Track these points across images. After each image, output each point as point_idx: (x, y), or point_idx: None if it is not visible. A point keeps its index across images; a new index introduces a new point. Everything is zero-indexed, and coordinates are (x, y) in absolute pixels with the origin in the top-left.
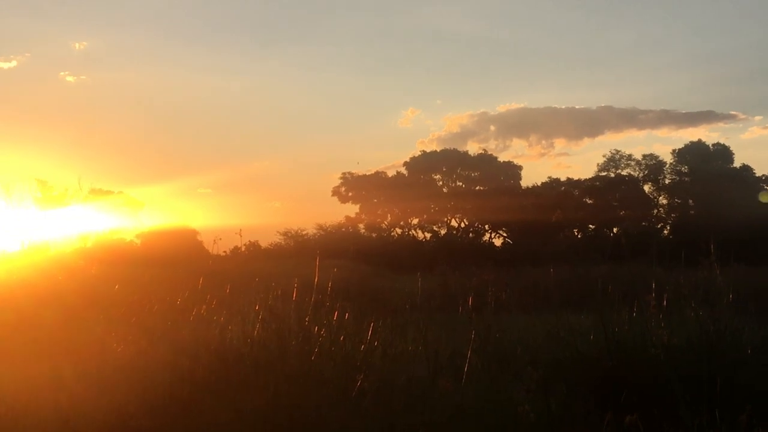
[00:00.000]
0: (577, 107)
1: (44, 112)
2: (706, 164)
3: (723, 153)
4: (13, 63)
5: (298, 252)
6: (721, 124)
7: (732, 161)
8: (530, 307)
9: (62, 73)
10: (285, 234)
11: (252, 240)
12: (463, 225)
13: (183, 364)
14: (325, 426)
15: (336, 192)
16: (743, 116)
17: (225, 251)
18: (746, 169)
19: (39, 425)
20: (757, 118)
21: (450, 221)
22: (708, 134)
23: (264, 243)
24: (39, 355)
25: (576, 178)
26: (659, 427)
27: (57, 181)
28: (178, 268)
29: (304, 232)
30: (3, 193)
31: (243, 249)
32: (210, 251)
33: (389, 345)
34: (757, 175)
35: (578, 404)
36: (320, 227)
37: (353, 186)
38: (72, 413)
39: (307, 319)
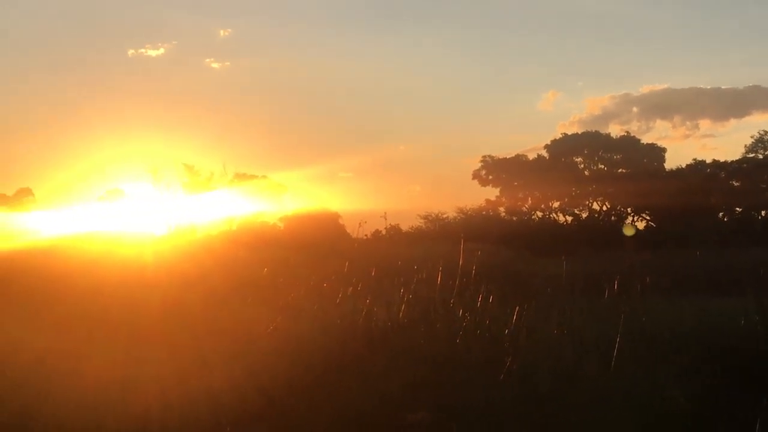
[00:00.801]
0: (723, 87)
1: (190, 98)
2: None
3: None
4: (161, 51)
5: (438, 235)
6: None
7: None
8: (676, 291)
9: (207, 60)
10: (425, 217)
11: (392, 223)
12: (605, 208)
13: (331, 348)
14: (472, 407)
15: (476, 175)
16: None
17: (366, 234)
18: None
19: (189, 405)
20: None
21: (591, 204)
22: None
23: (404, 226)
24: (186, 337)
25: (722, 160)
26: None
27: (203, 166)
28: (321, 252)
29: (444, 216)
30: (151, 178)
31: (384, 232)
32: (352, 235)
33: (534, 328)
34: None
35: (729, 388)
36: (460, 211)
37: (494, 169)
38: (221, 394)
39: (452, 302)
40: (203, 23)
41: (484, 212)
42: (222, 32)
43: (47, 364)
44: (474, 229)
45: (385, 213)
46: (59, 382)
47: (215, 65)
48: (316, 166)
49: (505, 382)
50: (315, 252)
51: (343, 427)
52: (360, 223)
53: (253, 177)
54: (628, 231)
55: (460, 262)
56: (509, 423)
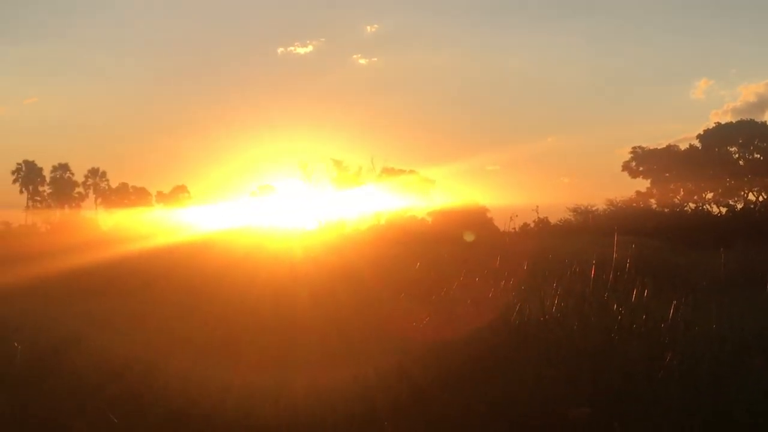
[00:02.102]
0: None
1: (338, 94)
2: None
3: None
4: (309, 48)
5: (588, 228)
6: None
7: None
8: None
9: (355, 56)
10: (574, 210)
11: (541, 216)
12: (761, 199)
13: (482, 341)
14: (628, 402)
15: (626, 167)
16: None
17: (514, 228)
18: None
19: (341, 398)
20: None
21: (747, 195)
22: None
23: (553, 219)
24: (336, 331)
25: None
26: None
27: (351, 161)
28: (470, 246)
29: (594, 208)
30: (301, 174)
31: (533, 226)
32: (501, 229)
33: (692, 322)
34: None
35: None
36: (610, 203)
37: (644, 160)
38: (372, 387)
39: (605, 295)
40: (350, 19)
41: (634, 204)
42: (369, 28)
43: (206, 356)
44: (625, 221)
45: (537, 206)
46: (218, 374)
47: (362, 61)
48: (464, 160)
49: (665, 378)
50: (464, 246)
51: (497, 421)
52: (511, 217)
53: (400, 172)
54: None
55: (614, 255)
56: (671, 419)
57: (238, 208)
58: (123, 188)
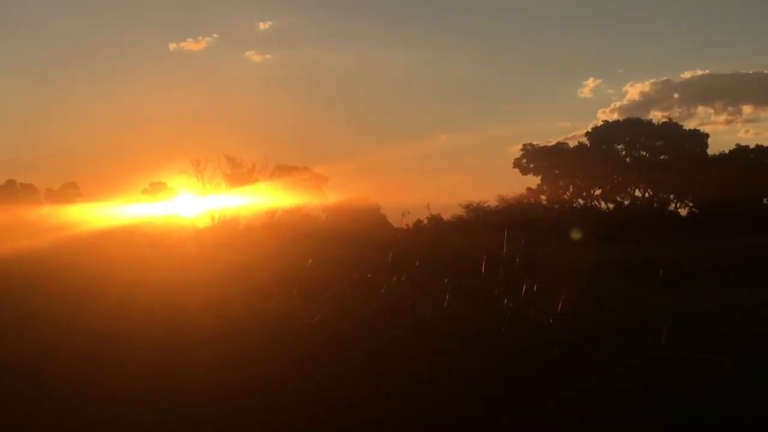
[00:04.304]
0: (765, 71)
1: (232, 90)
2: None
3: None
4: (202, 44)
5: (480, 224)
6: None
7: None
8: (724, 276)
9: (248, 53)
10: (467, 207)
11: (434, 213)
12: (647, 195)
13: (377, 338)
14: (525, 393)
15: (517, 164)
16: None
17: (407, 224)
18: None
19: (237, 398)
20: None
21: (634, 192)
22: None
23: (446, 216)
24: (228, 332)
25: (766, 145)
26: None
27: (245, 158)
28: (364, 243)
29: (485, 205)
30: (195, 170)
31: (426, 222)
32: (394, 225)
33: (579, 317)
34: None
35: None
36: (502, 199)
37: (534, 157)
38: (269, 387)
39: (496, 291)
40: (243, 16)
41: (525, 200)
42: (262, 25)
43: (93, 355)
44: (516, 217)
45: (428, 203)
46: (108, 373)
47: (256, 58)
48: (358, 157)
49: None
50: (357, 243)
51: (386, 411)
52: (403, 214)
53: (294, 169)
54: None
55: (504, 251)
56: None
57: (130, 206)
58: (10, 185)
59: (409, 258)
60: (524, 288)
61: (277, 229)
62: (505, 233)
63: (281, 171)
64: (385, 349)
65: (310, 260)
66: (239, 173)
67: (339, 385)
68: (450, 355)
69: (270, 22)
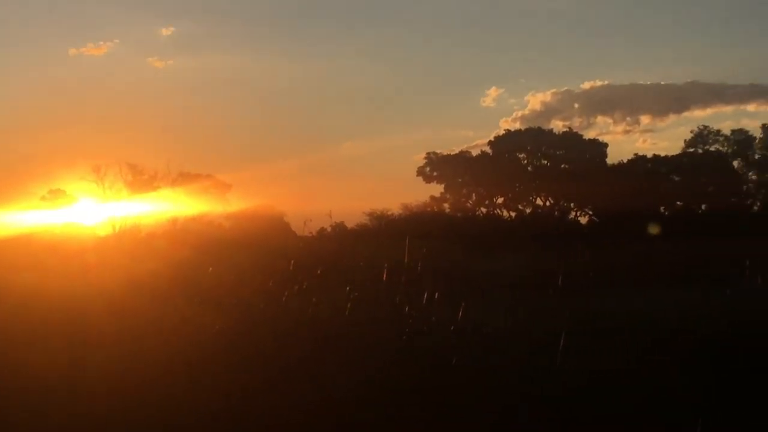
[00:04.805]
0: (662, 83)
1: (133, 96)
2: None
3: None
4: (103, 49)
5: (384, 233)
6: None
7: None
8: (622, 284)
9: (150, 59)
10: (370, 215)
11: (338, 221)
12: (548, 204)
13: (276, 346)
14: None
15: (421, 172)
16: None
17: (311, 232)
18: None
19: (134, 407)
20: None
21: (535, 200)
22: None
23: (350, 224)
24: (129, 339)
25: (663, 154)
26: None
27: (147, 164)
28: (267, 250)
29: (389, 213)
30: (95, 177)
31: (330, 230)
32: (297, 233)
33: (480, 326)
34: None
35: (686, 375)
36: (405, 207)
37: (438, 166)
38: (164, 395)
39: (397, 299)
40: (145, 21)
41: (428, 209)
42: (164, 30)
43: None
44: (419, 225)
45: (331, 211)
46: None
47: (158, 64)
48: (261, 165)
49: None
50: (260, 251)
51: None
52: (305, 222)
53: (197, 176)
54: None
55: (406, 259)
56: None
57: (28, 213)
58: None
59: (311, 266)
60: (425, 296)
61: (179, 236)
62: (407, 241)
63: (184, 178)
64: (284, 356)
65: (211, 268)
66: (141, 180)
67: (238, 393)
68: (350, 360)
69: (172, 28)
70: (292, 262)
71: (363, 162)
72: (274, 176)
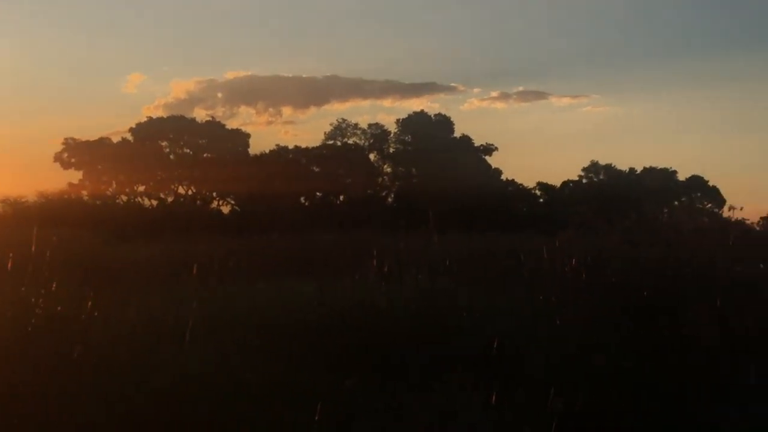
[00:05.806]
0: (303, 76)
1: None
2: (429, 134)
3: (444, 123)
4: None
5: (18, 221)
6: (442, 96)
7: (453, 131)
8: (257, 275)
9: None
10: (3, 201)
11: None
12: (190, 193)
13: None
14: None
15: (58, 158)
16: (463, 88)
17: None
18: (466, 139)
19: None
20: (476, 90)
21: (177, 189)
22: (430, 105)
23: None
24: None
25: (304, 146)
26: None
27: None
28: None
29: (23, 200)
30: None
31: None
32: None
33: (111, 315)
34: (475, 144)
35: (307, 369)
36: (41, 195)
37: (76, 152)
38: None
39: (23, 289)
40: None
41: (66, 196)
42: None
43: None
44: (55, 213)
45: None
46: None
47: None
48: None
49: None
50: None
51: None
52: None
53: None
54: None
55: (33, 248)
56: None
57: None
58: None
59: None
60: (54, 285)
61: None
62: (35, 230)
63: None
64: None
65: None
66: None
67: None
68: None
69: None
70: None
71: None
72: None
